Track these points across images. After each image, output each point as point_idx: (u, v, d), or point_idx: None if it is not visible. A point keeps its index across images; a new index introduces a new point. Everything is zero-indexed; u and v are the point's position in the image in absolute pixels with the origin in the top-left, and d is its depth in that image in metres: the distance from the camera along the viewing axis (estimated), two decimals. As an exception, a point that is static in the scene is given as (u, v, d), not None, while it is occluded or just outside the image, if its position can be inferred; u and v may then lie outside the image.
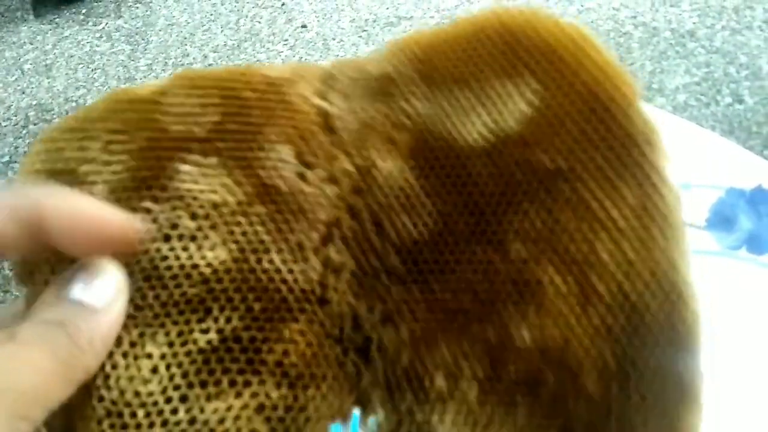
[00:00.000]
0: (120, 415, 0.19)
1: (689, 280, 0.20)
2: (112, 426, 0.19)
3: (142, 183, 0.21)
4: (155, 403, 0.20)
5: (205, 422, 0.20)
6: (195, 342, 0.20)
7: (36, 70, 1.14)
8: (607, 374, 0.20)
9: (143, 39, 1.11)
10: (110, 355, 0.20)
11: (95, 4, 1.22)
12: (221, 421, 0.20)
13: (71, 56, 1.16)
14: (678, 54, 0.75)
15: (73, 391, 0.18)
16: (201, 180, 0.22)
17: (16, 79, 1.14)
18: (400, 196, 0.22)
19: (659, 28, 0.79)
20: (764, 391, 0.43)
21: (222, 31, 1.04)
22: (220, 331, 0.21)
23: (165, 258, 0.21)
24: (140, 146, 0.22)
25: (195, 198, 0.22)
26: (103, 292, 0.20)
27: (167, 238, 0.21)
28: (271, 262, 0.21)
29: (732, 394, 0.42)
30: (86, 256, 0.20)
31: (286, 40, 0.99)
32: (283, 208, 0.22)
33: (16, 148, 1.01)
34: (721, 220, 0.50)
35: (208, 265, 0.21)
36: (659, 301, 0.20)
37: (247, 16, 1.14)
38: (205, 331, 0.21)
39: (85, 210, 0.20)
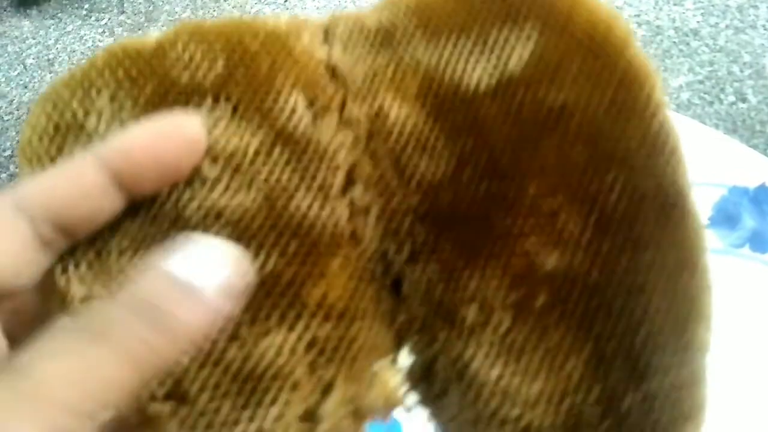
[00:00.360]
0: None
1: (692, 200, 0.22)
2: None
3: None
4: None
5: (263, 356, 0.20)
6: None
7: (38, 64, 1.14)
8: (629, 286, 0.21)
9: (145, 34, 1.11)
10: None
11: (98, -1, 1.22)
12: (279, 353, 0.20)
13: (73, 51, 1.16)
14: (681, 52, 0.75)
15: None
16: (217, 127, 0.21)
17: (18, 73, 1.15)
18: (413, 139, 0.22)
19: (663, 27, 0.79)
20: (763, 388, 0.43)
21: (225, 26, 1.05)
22: (261, 268, 0.20)
23: (190, 203, 0.21)
24: (148, 97, 0.21)
25: (214, 145, 0.21)
26: (216, 273, 0.17)
27: (190, 184, 0.21)
28: (298, 206, 0.21)
29: (734, 392, 0.42)
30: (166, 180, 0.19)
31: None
32: (302, 153, 0.22)
33: (18, 142, 1.01)
34: (724, 218, 0.50)
35: (236, 209, 0.21)
36: (663, 221, 0.21)
37: (249, 12, 1.14)
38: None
39: (143, 135, 0.19)
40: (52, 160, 0.21)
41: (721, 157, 0.52)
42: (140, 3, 1.21)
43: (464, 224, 0.22)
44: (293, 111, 0.22)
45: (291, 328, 0.20)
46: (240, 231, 0.21)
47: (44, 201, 0.19)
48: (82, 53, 1.15)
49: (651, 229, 0.21)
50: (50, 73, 1.13)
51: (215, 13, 1.15)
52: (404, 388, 0.22)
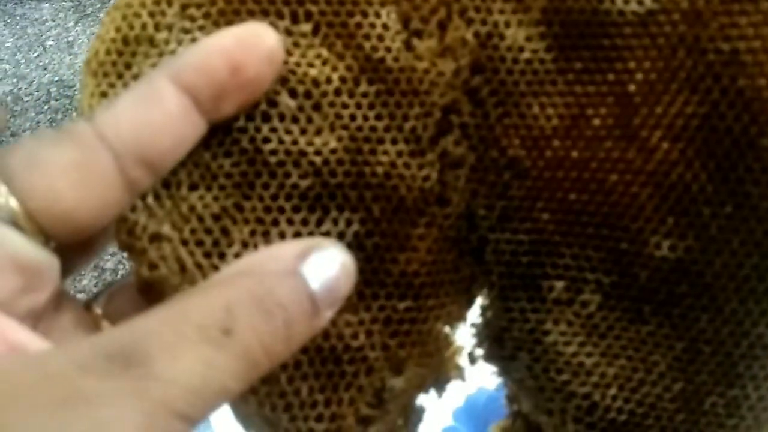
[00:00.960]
0: None
1: None
2: None
3: None
4: None
5: (340, 336, 0.19)
6: None
7: (58, 46, 1.13)
8: (747, 292, 0.18)
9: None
10: (211, 255, 0.18)
11: (119, -18, 1.21)
12: (355, 336, 0.19)
13: (93, 33, 1.15)
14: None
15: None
16: (295, 51, 0.19)
17: (38, 55, 1.13)
18: (528, 74, 0.19)
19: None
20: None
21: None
22: (341, 235, 0.19)
23: (267, 140, 0.18)
24: (220, 9, 0.19)
25: (292, 72, 0.19)
26: (335, 283, 0.17)
27: (267, 118, 0.18)
28: (386, 153, 0.19)
29: None
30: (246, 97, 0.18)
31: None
32: (392, 88, 0.19)
33: (38, 123, 1.00)
34: None
35: (318, 152, 0.19)
36: None
37: None
38: (326, 235, 0.18)
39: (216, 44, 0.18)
40: (120, 76, 0.19)
41: None
42: (162, -13, 1.20)
43: (570, 188, 0.19)
44: (383, 32, 0.19)
45: (368, 307, 0.19)
46: (322, 183, 0.19)
47: (126, 132, 0.17)
48: (101, 36, 1.15)
49: None
50: (69, 55, 1.12)
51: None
52: (471, 343, 0.21)
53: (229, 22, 0.19)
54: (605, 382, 0.20)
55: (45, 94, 1.10)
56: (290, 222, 0.19)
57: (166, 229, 0.19)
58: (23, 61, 1.11)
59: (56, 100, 1.09)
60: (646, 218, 0.19)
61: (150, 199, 0.19)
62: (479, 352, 0.21)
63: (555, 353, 0.20)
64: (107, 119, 0.18)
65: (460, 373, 0.21)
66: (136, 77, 0.19)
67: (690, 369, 0.19)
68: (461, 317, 0.21)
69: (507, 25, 0.19)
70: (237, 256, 0.18)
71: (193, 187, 0.19)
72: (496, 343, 0.21)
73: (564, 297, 0.19)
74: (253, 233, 0.18)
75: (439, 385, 0.21)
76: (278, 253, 0.17)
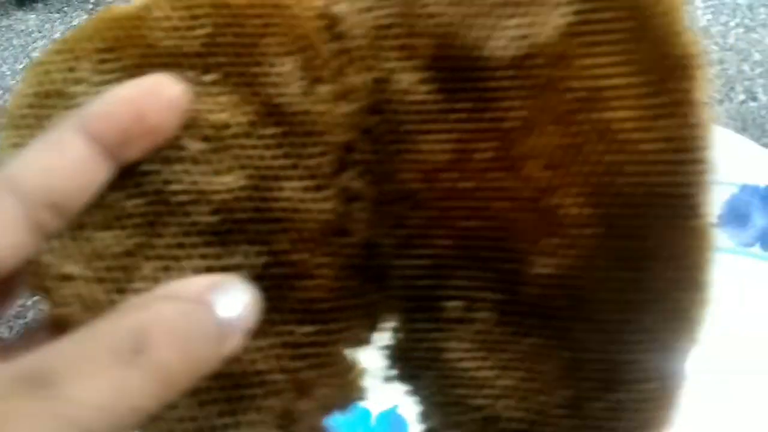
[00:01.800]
0: None
1: (707, 215, 0.20)
2: None
3: None
4: None
5: (249, 361, 0.20)
6: None
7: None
8: (620, 303, 0.20)
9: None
10: (124, 291, 0.19)
11: (104, -7, 1.22)
12: (253, 362, 0.20)
13: (79, 45, 1.16)
14: (691, 51, 0.75)
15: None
16: (205, 98, 0.20)
17: (24, 66, 1.14)
18: (419, 113, 0.20)
19: (672, 25, 0.78)
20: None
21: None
22: (250, 267, 0.20)
23: (179, 181, 0.20)
24: (131, 64, 0.20)
25: (201, 118, 0.20)
26: (242, 313, 0.18)
27: (178, 160, 0.20)
28: (290, 190, 0.20)
29: (744, 391, 0.41)
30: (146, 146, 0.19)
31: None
32: (294, 130, 0.20)
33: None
34: (734, 216, 0.49)
35: (227, 191, 0.20)
36: (671, 234, 0.20)
37: None
38: (237, 267, 0.20)
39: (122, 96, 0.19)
40: (35, 128, 0.20)
41: (731, 155, 0.52)
42: (146, -3, 1.20)
43: (461, 216, 0.21)
44: (285, 80, 0.20)
45: (276, 332, 0.20)
46: (227, 220, 0.20)
47: (33, 177, 0.18)
48: (87, 47, 1.15)
49: (656, 243, 0.20)
50: (56, 66, 1.12)
51: None
52: (375, 365, 0.22)
53: (139, 75, 0.20)
54: (502, 394, 0.21)
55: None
56: (203, 257, 0.20)
57: (77, 268, 0.20)
58: (9, 72, 1.12)
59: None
60: (529, 240, 0.20)
61: (59, 241, 0.20)
62: (390, 372, 0.22)
63: (456, 369, 0.21)
64: (16, 166, 0.18)
65: (364, 394, 0.22)
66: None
67: (576, 377, 0.21)
68: (366, 341, 0.22)
69: (399, 70, 0.20)
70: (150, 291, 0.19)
71: (104, 227, 0.20)
72: (404, 363, 0.22)
73: (461, 315, 0.21)
74: (166, 269, 0.20)
75: (345, 405, 0.22)
76: (189, 283, 0.18)
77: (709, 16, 0.80)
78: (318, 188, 0.20)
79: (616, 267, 0.20)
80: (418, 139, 0.20)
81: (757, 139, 0.58)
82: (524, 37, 0.20)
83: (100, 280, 0.19)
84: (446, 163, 0.20)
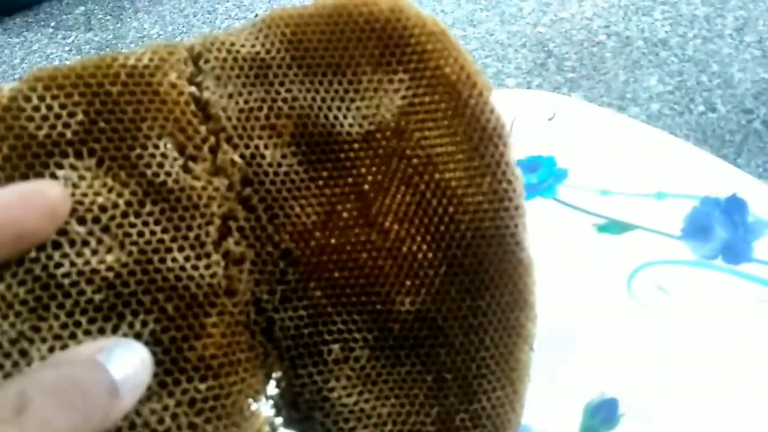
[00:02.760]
0: None
1: (527, 247, 0.25)
2: None
3: None
4: None
5: (146, 424, 0.20)
6: None
7: (4, 83, 1.12)
8: (468, 327, 0.24)
9: (113, 52, 1.10)
10: (11, 375, 0.19)
11: (64, 16, 1.21)
12: (160, 421, 0.20)
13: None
14: (651, 63, 0.76)
15: None
16: (82, 184, 0.21)
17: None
18: (287, 183, 0.23)
19: (632, 38, 0.79)
20: (737, 400, 0.42)
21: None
22: (138, 336, 0.20)
23: (60, 265, 0.20)
24: (7, 155, 0.20)
25: (80, 203, 0.21)
26: (132, 372, 0.19)
27: (58, 245, 0.20)
28: (174, 260, 0.21)
29: (705, 404, 0.41)
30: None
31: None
32: (175, 205, 0.22)
33: None
34: (696, 229, 0.50)
35: (109, 269, 0.20)
36: (503, 267, 0.25)
37: (219, 28, 1.13)
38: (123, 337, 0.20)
39: None
40: None
41: (692, 168, 0.52)
42: (108, 20, 1.19)
43: (333, 268, 0.23)
44: (162, 160, 0.21)
45: (171, 393, 0.21)
46: (115, 294, 0.21)
47: None
48: (48, 72, 1.14)
49: (492, 275, 0.24)
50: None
51: (184, 30, 1.14)
52: (271, 413, 0.24)
53: (16, 166, 0.21)
54: (382, 421, 0.24)
55: None
56: (87, 333, 0.20)
57: None
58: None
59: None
60: (391, 283, 0.24)
61: None
62: (278, 420, 0.24)
63: (341, 405, 0.24)
64: None
65: None
66: None
67: (440, 395, 0.24)
68: (262, 390, 0.23)
69: (266, 147, 0.23)
70: None
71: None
72: (293, 408, 0.24)
73: (341, 356, 0.24)
74: (51, 349, 0.20)
75: None
76: (79, 348, 0.19)
77: (668, 28, 0.81)
78: (203, 256, 0.22)
79: (461, 298, 0.24)
80: (289, 204, 0.23)
81: (716, 151, 0.58)
82: (369, 116, 0.24)
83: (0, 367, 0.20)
84: (317, 223, 0.24)
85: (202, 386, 0.21)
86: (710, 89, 0.70)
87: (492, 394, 0.25)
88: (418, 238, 0.24)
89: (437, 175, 0.24)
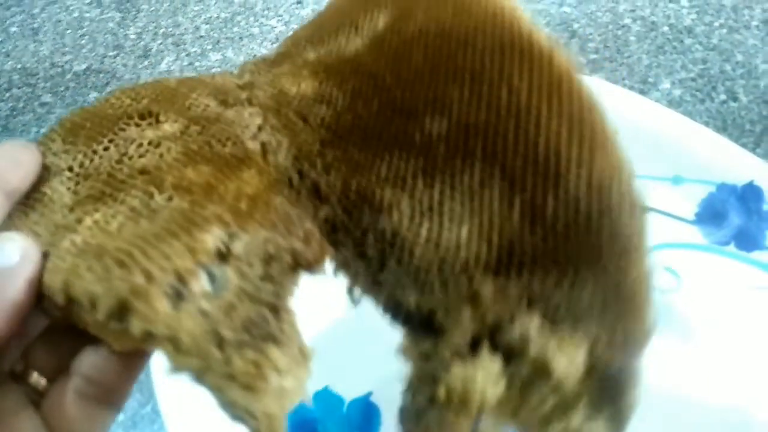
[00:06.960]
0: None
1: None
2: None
3: None
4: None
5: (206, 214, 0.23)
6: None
7: (22, 33, 1.11)
8: (514, 117, 0.22)
9: (134, 7, 1.09)
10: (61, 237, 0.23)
11: (86, -32, 1.20)
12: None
13: (59, 21, 1.13)
14: (675, 49, 0.75)
15: None
16: (143, 132, 0.26)
17: (1, 41, 1.12)
18: (313, 96, 0.26)
19: (657, 23, 0.78)
20: (749, 386, 0.42)
21: (215, 3, 1.02)
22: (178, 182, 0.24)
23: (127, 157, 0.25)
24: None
25: (137, 139, 0.25)
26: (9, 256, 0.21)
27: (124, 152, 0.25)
28: (219, 147, 0.25)
29: (717, 390, 0.42)
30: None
31: (280, 15, 0.97)
32: (215, 126, 0.26)
33: (-1, 111, 0.99)
34: (710, 214, 0.50)
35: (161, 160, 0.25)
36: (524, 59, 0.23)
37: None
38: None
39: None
40: None
41: (710, 154, 0.52)
42: (129, -26, 1.18)
43: (366, 131, 0.24)
44: (206, 106, 0.27)
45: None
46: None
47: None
48: (67, 23, 1.13)
49: (517, 69, 0.22)
50: (34, 42, 1.11)
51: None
52: (347, 285, 0.24)
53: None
54: (465, 241, 0.22)
55: (7, 82, 1.09)
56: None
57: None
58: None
59: (18, 88, 1.08)
60: (424, 114, 0.23)
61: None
62: (357, 276, 0.24)
63: (412, 240, 0.22)
64: None
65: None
66: None
67: (517, 187, 0.21)
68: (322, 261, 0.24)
69: (290, 87, 0.28)
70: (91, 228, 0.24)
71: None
72: (363, 261, 0.24)
73: (395, 194, 0.23)
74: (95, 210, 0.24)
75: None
76: None
77: (694, 16, 0.81)
78: (241, 143, 0.26)
79: (498, 92, 0.22)
80: (315, 109, 0.26)
81: (735, 139, 0.58)
82: (367, 36, 0.28)
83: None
84: (343, 109, 0.25)
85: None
86: (733, 78, 0.69)
87: (579, 168, 0.20)
88: (437, 77, 0.24)
89: (432, 38, 0.25)
